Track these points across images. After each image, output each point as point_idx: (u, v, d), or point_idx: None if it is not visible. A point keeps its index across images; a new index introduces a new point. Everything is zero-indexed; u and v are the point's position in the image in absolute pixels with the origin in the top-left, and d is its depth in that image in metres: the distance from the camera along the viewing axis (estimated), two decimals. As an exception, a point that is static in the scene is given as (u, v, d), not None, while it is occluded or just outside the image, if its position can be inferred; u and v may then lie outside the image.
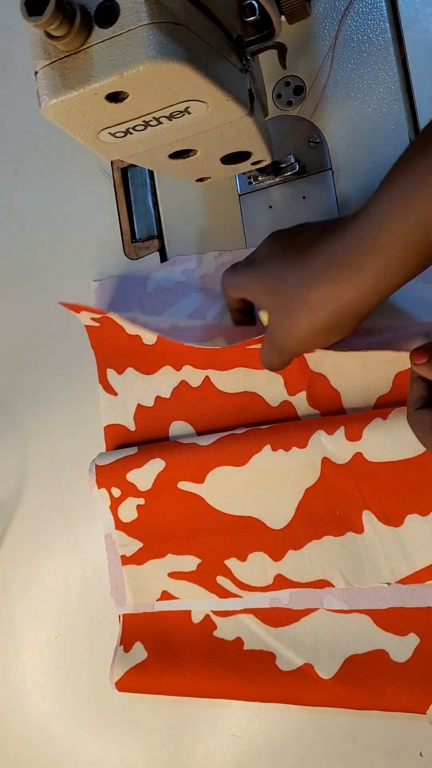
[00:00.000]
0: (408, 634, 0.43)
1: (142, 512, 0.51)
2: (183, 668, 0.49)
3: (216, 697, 0.48)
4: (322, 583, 0.46)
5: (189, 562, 0.50)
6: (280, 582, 0.47)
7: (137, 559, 0.51)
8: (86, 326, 0.53)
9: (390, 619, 0.44)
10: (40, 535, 0.57)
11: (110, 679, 0.51)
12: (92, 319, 0.51)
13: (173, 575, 0.50)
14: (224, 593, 0.48)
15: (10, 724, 0.57)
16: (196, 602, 0.50)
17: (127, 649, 0.51)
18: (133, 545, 0.52)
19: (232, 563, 0.48)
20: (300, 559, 0.46)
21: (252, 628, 0.48)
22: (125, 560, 0.52)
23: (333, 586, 0.45)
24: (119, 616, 0.53)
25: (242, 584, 0.48)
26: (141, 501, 0.51)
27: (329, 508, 0.45)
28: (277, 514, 0.47)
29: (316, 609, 0.46)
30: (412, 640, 0.43)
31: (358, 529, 0.44)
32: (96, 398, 0.56)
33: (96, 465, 0.52)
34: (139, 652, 0.51)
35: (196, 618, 0.50)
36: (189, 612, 0.50)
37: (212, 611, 0.50)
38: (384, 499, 0.44)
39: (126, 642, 0.52)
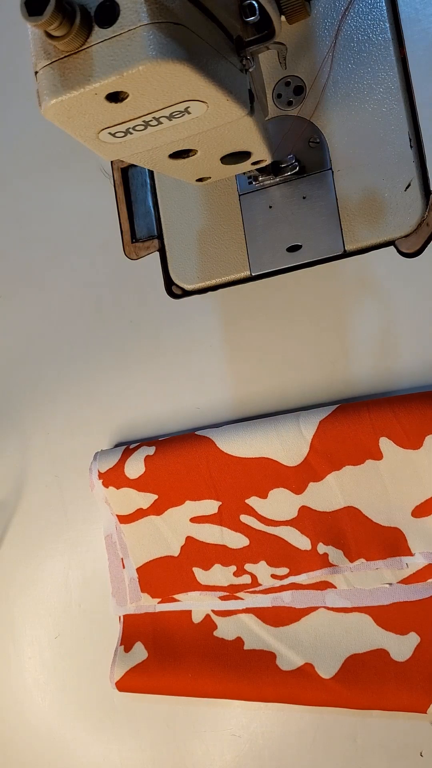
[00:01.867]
0: (408, 633, 0.43)
1: (151, 463, 0.50)
2: (183, 668, 0.49)
3: (216, 697, 0.48)
4: (324, 585, 0.46)
5: (209, 506, 0.49)
6: (303, 514, 0.46)
7: (157, 509, 0.51)
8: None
9: (390, 618, 0.44)
10: (40, 535, 0.57)
11: (110, 679, 0.51)
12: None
13: (195, 519, 0.49)
14: (250, 532, 0.48)
15: (10, 724, 0.57)
16: (197, 603, 0.50)
17: (127, 649, 0.51)
18: (149, 498, 0.51)
19: (253, 501, 0.48)
20: (323, 488, 0.46)
21: (252, 627, 0.48)
22: (142, 513, 0.51)
23: (335, 588, 0.46)
24: (120, 616, 0.53)
25: (267, 520, 0.47)
26: (151, 450, 0.50)
27: (345, 438, 0.45)
28: (291, 452, 0.46)
29: (317, 608, 0.46)
30: (412, 639, 0.43)
31: (377, 455, 0.44)
32: (96, 398, 0.56)
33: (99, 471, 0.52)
34: (139, 652, 0.51)
35: (197, 618, 0.50)
36: (189, 612, 0.50)
37: (213, 611, 0.50)
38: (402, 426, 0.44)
39: (126, 642, 0.52)
